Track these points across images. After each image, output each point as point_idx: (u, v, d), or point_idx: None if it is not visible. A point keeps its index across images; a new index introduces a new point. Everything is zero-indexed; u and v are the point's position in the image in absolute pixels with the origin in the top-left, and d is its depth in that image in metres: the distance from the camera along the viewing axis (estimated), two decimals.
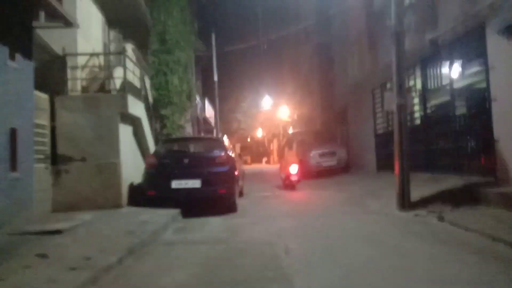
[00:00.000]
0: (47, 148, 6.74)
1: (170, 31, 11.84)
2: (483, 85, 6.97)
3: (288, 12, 25.86)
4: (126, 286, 3.48)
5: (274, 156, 35.03)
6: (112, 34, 9.68)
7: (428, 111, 9.45)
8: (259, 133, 42.35)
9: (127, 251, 4.30)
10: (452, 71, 8.13)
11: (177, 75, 12.23)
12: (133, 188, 7.53)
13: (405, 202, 6.73)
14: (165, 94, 11.81)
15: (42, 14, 6.44)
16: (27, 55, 5.62)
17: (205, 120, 20.81)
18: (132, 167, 7.68)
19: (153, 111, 11.40)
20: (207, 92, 21.20)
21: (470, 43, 7.34)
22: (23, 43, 5.58)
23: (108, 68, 8.30)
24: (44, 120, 6.66)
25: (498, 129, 6.56)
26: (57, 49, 7.24)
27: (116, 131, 7.05)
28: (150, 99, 11.38)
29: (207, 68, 18.59)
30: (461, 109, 8.07)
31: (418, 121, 9.97)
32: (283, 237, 5.11)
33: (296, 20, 23.70)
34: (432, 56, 8.84)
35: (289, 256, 4.20)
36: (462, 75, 7.81)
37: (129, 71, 8.48)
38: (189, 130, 14.83)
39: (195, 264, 4.06)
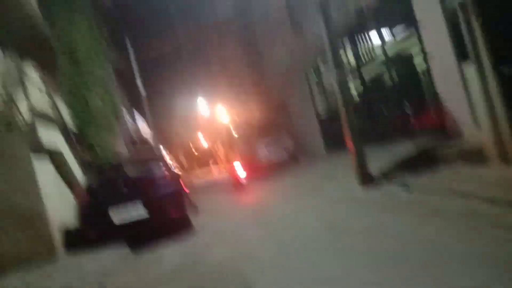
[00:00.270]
0: None
1: (80, 48, 10.54)
2: (417, 45, 6.84)
3: (203, 7, 25.01)
4: None
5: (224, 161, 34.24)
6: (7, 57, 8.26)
7: (366, 84, 9.33)
8: (204, 142, 41.25)
9: None
10: (383, 38, 8.01)
11: (98, 95, 10.98)
12: (69, 233, 6.43)
13: (365, 178, 6.43)
14: (88, 118, 10.54)
15: None
16: None
17: (140, 137, 19.46)
18: (63, 208, 6.57)
19: (77, 139, 10.12)
20: (136, 107, 19.82)
21: (395, 7, 7.20)
22: None
23: (9, 100, 7.02)
24: None
25: (439, 83, 6.45)
26: None
27: (32, 173, 5.93)
28: (72, 127, 10.07)
29: (130, 81, 17.24)
30: (397, 74, 7.98)
31: (356, 98, 9.82)
32: (253, 256, 4.34)
33: (213, 15, 22.98)
34: (359, 27, 8.66)
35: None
36: (394, 40, 7.68)
37: (37, 98, 7.30)
38: (125, 153, 13.60)
39: None
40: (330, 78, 7.22)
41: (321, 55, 10.41)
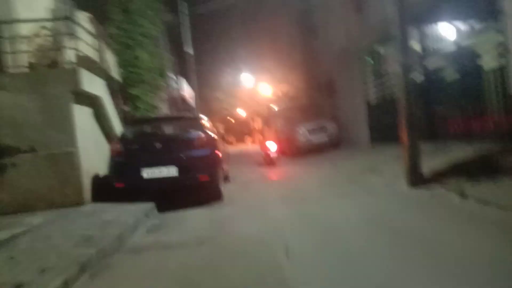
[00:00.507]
0: None
1: None
2: (498, 38, 6.01)
3: None
4: None
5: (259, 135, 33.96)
6: (62, 3, 8.23)
7: (427, 76, 8.52)
8: (242, 113, 41.03)
9: (79, 267, 3.23)
10: (458, 26, 7.18)
11: (146, 49, 10.84)
12: (98, 181, 6.37)
13: (416, 178, 5.83)
14: (134, 71, 10.44)
15: None
16: None
17: (183, 100, 19.44)
18: (95, 156, 6.49)
19: (121, 91, 10.08)
20: (181, 69, 19.71)
21: None
22: None
23: (56, 39, 6.94)
24: None
25: None
26: None
27: (70, 113, 5.82)
28: (118, 78, 10.03)
29: (179, 42, 17.02)
30: (461, 70, 7.20)
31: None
32: (280, 232, 4.12)
33: None
34: (431, 11, 7.81)
35: (291, 261, 3.21)
36: (471, 28, 6.84)
37: (84, 42, 7.17)
38: (165, 112, 13.55)
39: (172, 280, 3.04)
40: (391, 64, 6.55)
41: (383, 39, 9.63)
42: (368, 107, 11.98)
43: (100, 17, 9.57)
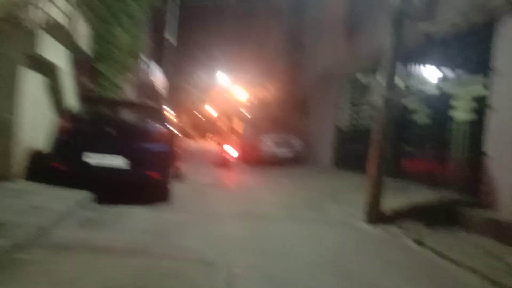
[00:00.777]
0: None
1: None
2: (482, 92, 5.97)
3: None
4: None
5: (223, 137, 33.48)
6: None
7: (405, 112, 8.49)
8: (212, 111, 40.50)
9: None
10: (444, 72, 7.17)
11: (126, 30, 10.17)
12: (36, 157, 5.69)
13: (376, 215, 5.65)
14: (105, 46, 9.73)
15: None
16: None
17: (153, 88, 18.66)
18: (40, 131, 5.81)
19: (90, 67, 9.36)
20: (159, 57, 18.97)
21: (473, 43, 6.32)
22: None
23: None
24: None
25: (492, 143, 5.63)
26: None
27: (17, 77, 5.15)
28: (88, 52, 9.28)
29: (162, 28, 16.36)
30: (433, 116, 7.24)
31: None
32: (226, 252, 3.74)
33: None
34: (422, 52, 7.77)
35: None
36: (457, 77, 6.81)
37: (55, 5, 6.47)
38: (130, 96, 12.82)
39: None
40: (371, 95, 6.37)
41: (368, 69, 9.56)
42: (338, 132, 11.90)
43: None
